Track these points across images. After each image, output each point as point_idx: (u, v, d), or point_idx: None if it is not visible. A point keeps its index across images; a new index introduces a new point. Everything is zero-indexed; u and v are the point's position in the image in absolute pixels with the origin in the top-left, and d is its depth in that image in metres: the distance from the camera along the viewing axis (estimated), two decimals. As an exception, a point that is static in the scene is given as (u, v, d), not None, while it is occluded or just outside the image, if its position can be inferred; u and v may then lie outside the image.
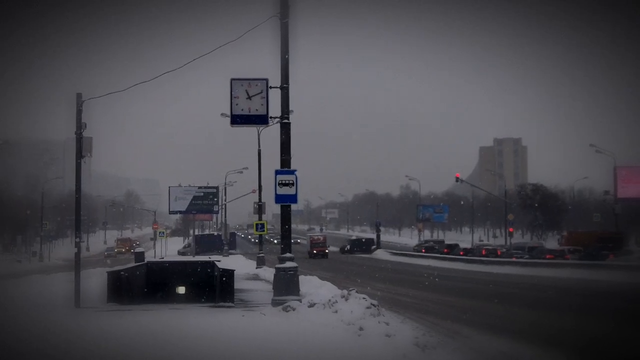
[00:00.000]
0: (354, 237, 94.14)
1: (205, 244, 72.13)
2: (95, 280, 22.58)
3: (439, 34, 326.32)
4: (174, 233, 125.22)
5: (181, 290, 19.55)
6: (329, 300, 15.34)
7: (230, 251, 70.01)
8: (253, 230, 53.23)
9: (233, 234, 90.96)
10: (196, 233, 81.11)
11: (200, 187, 64.40)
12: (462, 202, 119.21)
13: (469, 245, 74.03)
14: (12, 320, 14.88)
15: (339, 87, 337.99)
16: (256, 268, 38.47)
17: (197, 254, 72.33)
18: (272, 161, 18.33)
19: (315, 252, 71.52)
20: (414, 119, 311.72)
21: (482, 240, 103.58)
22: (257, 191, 41.76)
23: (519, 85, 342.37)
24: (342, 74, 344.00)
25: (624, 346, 13.20)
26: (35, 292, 22.40)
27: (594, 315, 18.47)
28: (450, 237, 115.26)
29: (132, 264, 23.36)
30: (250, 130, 40.20)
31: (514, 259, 49.54)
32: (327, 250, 73.05)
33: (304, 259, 61.66)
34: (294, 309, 15.51)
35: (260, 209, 40.17)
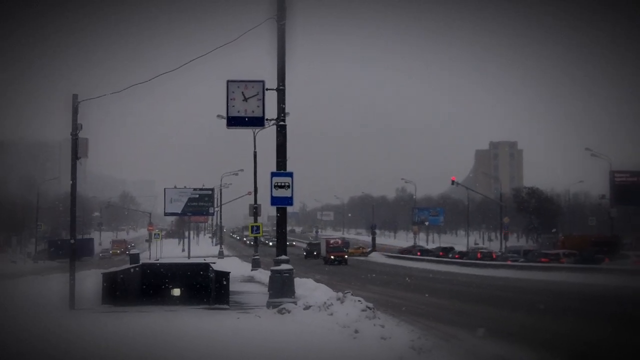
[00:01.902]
0: (312, 241, 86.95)
1: (63, 248, 70.78)
2: (90, 281, 22.51)
3: (438, 34, 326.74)
4: (169, 235, 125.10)
5: (176, 292, 19.50)
6: (325, 302, 15.33)
7: (84, 258, 67.60)
8: (248, 233, 53.11)
9: (88, 240, 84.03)
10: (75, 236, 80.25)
11: (195, 189, 64.25)
12: (458, 207, 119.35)
13: (464, 248, 74.15)
14: (6, 321, 14.83)
15: (337, 88, 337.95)
16: (251, 270, 38.43)
17: (52, 259, 71.29)
18: (269, 162, 18.34)
19: (332, 257, 62.05)
20: (411, 120, 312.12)
21: (477, 244, 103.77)
22: (253, 193, 41.75)
23: (515, 88, 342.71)
24: (340, 75, 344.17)
25: (619, 351, 13.21)
26: (29, 294, 22.33)
27: (589, 319, 18.48)
28: (445, 240, 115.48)
29: (127, 266, 23.28)
30: (248, 132, 40.32)
31: (509, 262, 49.60)
32: (346, 256, 63.51)
33: (319, 265, 58.25)
34: (289, 312, 15.49)
35: (255, 211, 40.16)
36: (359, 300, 14.84)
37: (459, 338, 14.01)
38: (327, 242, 67.51)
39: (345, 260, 61.75)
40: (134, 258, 24.87)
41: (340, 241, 68.46)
